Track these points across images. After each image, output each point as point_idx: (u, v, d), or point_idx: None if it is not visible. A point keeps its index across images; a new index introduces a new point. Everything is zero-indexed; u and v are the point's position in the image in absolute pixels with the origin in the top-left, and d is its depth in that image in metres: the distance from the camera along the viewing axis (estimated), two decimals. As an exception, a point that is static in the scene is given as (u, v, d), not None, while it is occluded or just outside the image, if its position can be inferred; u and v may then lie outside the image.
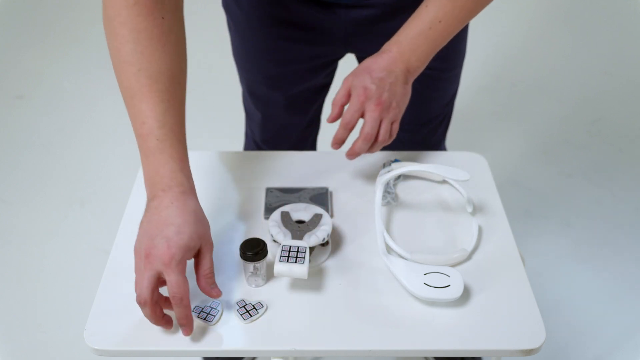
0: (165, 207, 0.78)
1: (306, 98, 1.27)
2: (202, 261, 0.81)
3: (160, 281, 0.77)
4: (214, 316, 0.82)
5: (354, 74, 0.96)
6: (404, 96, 0.96)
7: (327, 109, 1.40)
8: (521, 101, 2.43)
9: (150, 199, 0.80)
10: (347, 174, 1.08)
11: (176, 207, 0.78)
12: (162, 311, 0.79)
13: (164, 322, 0.79)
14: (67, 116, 2.36)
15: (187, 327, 0.78)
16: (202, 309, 0.83)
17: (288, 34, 1.11)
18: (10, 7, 3.01)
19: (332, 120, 0.98)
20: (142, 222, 0.80)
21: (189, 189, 0.81)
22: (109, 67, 0.85)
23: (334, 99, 0.98)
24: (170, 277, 0.76)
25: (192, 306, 0.82)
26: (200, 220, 0.80)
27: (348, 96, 0.96)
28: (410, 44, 0.94)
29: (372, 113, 0.93)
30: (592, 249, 1.82)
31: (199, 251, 0.80)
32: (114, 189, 1.99)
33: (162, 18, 0.80)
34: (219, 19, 1.31)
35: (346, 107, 0.97)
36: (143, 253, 0.77)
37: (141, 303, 0.76)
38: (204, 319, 0.82)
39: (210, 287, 0.81)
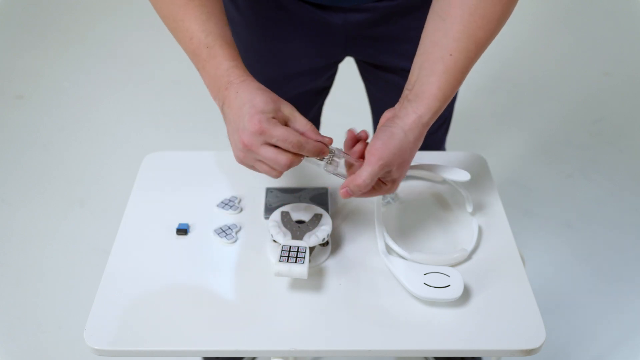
0: (234, 99, 0.81)
1: (306, 101, 1.26)
2: (294, 123, 0.82)
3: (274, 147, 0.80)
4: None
5: (390, 163, 0.82)
6: None
7: (327, 110, 1.40)
8: (521, 101, 2.43)
9: (221, 106, 0.84)
10: (347, 174, 1.08)
11: (242, 91, 0.81)
12: (298, 155, 0.81)
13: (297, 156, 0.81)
14: (67, 116, 2.36)
15: (323, 148, 0.82)
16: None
17: (286, 36, 1.11)
18: (10, 7, 3.01)
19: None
20: (227, 132, 0.84)
21: (249, 78, 0.84)
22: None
23: (364, 181, 0.82)
24: (273, 134, 0.78)
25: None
26: (266, 91, 0.82)
27: (375, 180, 0.83)
28: (442, 106, 0.86)
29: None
30: (592, 249, 1.82)
31: (286, 119, 0.82)
32: (114, 189, 1.99)
33: None
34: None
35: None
36: (241, 146, 0.79)
37: (285, 168, 0.80)
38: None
39: (316, 139, 0.82)
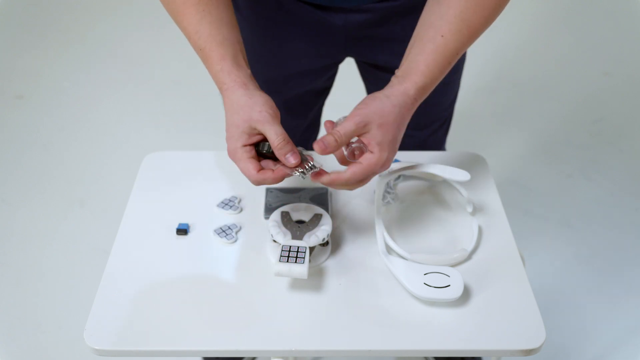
0: (224, 106, 0.86)
1: (306, 101, 1.26)
2: (266, 136, 0.83)
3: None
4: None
5: (368, 121, 0.82)
6: None
7: (327, 110, 1.40)
8: (521, 101, 2.43)
9: None
10: (347, 174, 1.07)
11: (226, 102, 0.85)
12: (281, 169, 0.83)
13: (285, 168, 0.83)
14: (67, 116, 2.36)
15: (284, 176, 0.83)
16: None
17: (286, 36, 1.10)
18: (10, 7, 3.01)
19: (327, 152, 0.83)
20: None
21: (232, 84, 0.85)
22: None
23: (338, 130, 0.82)
24: (238, 165, 0.83)
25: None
26: (242, 107, 0.83)
27: (351, 137, 0.83)
28: (430, 84, 0.86)
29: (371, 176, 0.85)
30: (592, 249, 1.82)
31: (261, 131, 0.83)
32: (114, 189, 1.99)
33: None
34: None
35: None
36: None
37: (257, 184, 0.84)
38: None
39: (285, 157, 0.82)
